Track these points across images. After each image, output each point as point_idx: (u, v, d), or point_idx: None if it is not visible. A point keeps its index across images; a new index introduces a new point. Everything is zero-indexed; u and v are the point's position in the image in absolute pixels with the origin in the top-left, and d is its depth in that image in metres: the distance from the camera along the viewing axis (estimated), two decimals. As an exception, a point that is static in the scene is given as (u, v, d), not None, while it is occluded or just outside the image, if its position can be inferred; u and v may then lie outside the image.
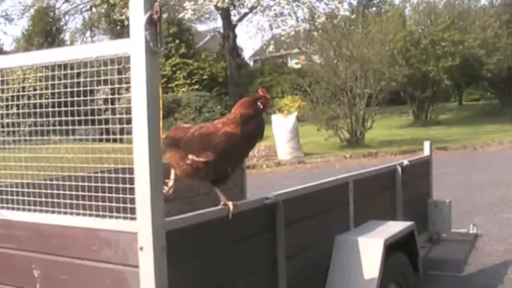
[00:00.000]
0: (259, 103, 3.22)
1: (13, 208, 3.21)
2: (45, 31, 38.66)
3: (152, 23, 2.54)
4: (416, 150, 15.92)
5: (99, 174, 3.01)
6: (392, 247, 4.20)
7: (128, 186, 2.70)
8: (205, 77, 35.63)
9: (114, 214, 2.77)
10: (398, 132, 23.83)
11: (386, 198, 5.14)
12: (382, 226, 4.46)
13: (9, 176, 3.28)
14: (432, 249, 6.48)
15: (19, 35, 42.54)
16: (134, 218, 2.66)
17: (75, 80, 2.95)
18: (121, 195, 2.75)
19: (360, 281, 3.98)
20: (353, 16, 27.86)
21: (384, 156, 17.99)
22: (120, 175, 2.81)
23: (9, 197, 3.24)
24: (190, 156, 3.10)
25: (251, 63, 48.11)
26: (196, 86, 34.92)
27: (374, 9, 37.61)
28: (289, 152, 18.66)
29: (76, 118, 2.94)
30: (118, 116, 2.86)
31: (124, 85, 2.73)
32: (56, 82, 3.03)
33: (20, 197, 3.19)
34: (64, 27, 41.83)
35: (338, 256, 4.09)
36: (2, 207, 3.26)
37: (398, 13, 27.72)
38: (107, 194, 2.85)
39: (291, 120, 19.05)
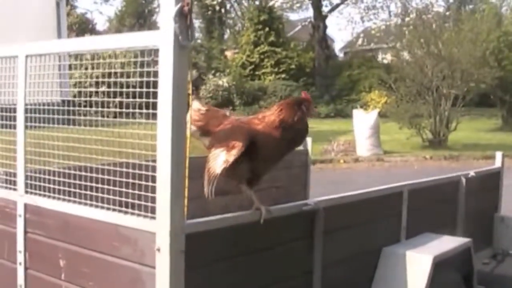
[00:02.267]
0: (303, 107, 3.07)
1: (44, 195, 3.18)
2: (137, 12, 39.37)
3: (182, 16, 2.42)
4: (500, 157, 15.24)
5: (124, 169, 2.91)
6: (443, 264, 3.95)
7: (150, 184, 2.60)
8: (293, 66, 35.36)
9: (136, 211, 2.69)
10: (485, 136, 22.95)
11: (446, 211, 4.85)
12: (435, 241, 4.20)
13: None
14: (498, 266, 6.14)
15: (113, 16, 43.56)
16: (154, 218, 2.57)
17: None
18: (143, 193, 2.67)
19: (404, 298, 3.78)
20: (447, 13, 27.08)
21: (466, 160, 17.37)
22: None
23: (41, 183, 3.21)
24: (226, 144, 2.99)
25: (341, 55, 47.60)
26: (283, 75, 34.73)
27: (471, 6, 36.40)
28: (368, 148, 18.28)
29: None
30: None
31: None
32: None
33: (51, 185, 3.16)
34: (156, 9, 42.46)
35: (383, 269, 3.88)
36: (35, 193, 3.24)
37: (493, 12, 26.69)
38: (130, 190, 2.77)
39: (372, 116, 18.65)
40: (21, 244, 3.32)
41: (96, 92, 3.03)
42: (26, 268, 3.31)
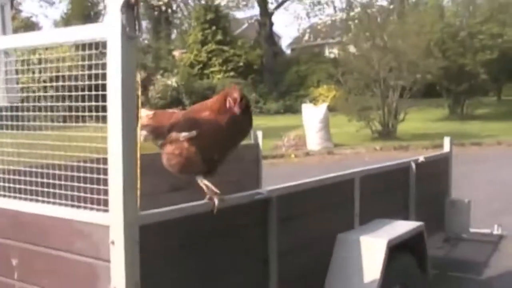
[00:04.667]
0: (227, 101, 3.05)
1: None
2: (83, 15, 38.99)
3: (129, 7, 2.40)
4: (448, 145, 15.49)
5: (80, 163, 2.88)
6: (398, 248, 4.02)
7: (102, 177, 2.58)
8: (241, 64, 35.46)
9: (89, 205, 2.66)
10: (433, 126, 23.34)
11: (398, 196, 4.94)
12: (389, 226, 4.27)
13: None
14: (451, 250, 6.23)
15: (59, 19, 43.01)
16: (107, 210, 2.54)
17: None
18: (95, 186, 2.64)
19: (360, 282, 3.82)
20: (392, 6, 27.48)
21: (415, 150, 17.60)
22: (95, 165, 2.68)
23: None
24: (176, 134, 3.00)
25: (289, 52, 47.84)
26: (232, 73, 34.81)
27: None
28: (318, 142, 18.43)
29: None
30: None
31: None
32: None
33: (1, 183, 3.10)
34: (102, 11, 42.03)
35: (339, 255, 3.92)
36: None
37: (436, 4, 27.19)
38: (82, 184, 2.74)
39: (321, 110, 18.81)
40: None
41: (45, 87, 2.97)
42: (-27, 271, 3.21)
